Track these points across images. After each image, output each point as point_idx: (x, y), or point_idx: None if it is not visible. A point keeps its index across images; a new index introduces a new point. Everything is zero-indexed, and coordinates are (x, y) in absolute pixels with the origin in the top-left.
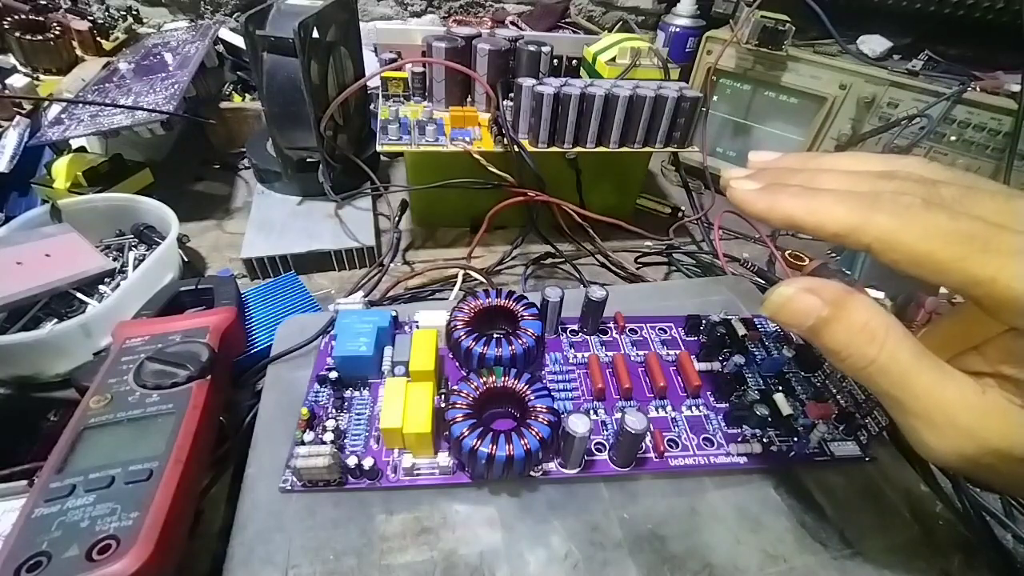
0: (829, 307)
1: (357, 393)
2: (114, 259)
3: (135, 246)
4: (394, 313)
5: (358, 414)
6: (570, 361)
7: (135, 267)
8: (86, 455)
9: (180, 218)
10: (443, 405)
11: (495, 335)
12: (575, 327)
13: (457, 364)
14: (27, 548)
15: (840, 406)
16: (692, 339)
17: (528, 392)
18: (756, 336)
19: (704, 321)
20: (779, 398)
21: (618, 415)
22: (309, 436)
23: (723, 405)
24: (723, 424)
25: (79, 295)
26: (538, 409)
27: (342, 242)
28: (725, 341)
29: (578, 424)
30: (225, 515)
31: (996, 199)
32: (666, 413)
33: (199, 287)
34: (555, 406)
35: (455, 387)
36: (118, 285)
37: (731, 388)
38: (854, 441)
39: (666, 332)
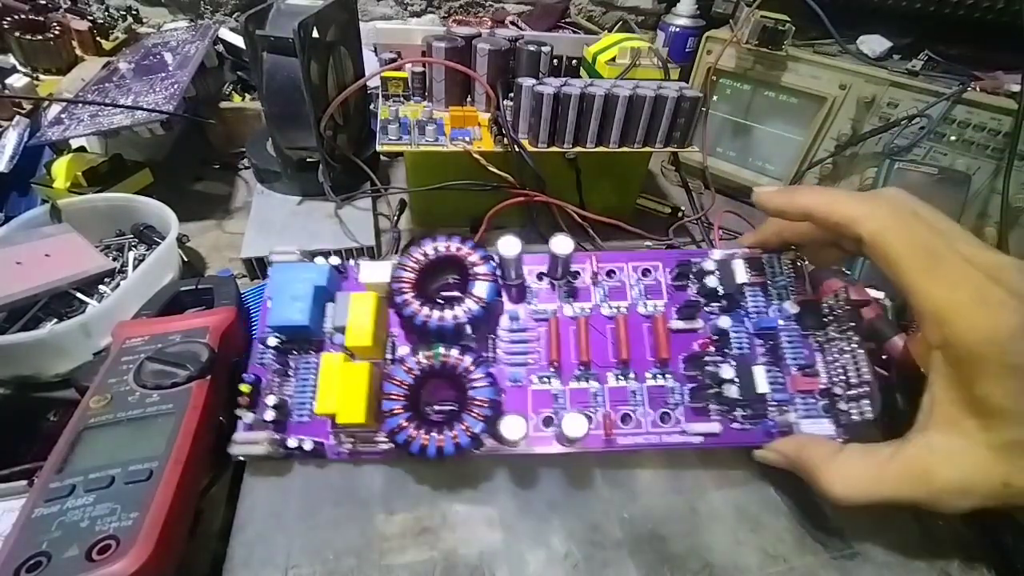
0: None
1: (303, 356)
2: (114, 259)
3: (135, 246)
4: (335, 263)
5: (302, 379)
6: (530, 318)
7: (135, 267)
8: (86, 455)
9: (180, 218)
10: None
11: (443, 296)
12: (543, 270)
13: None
14: (27, 548)
15: (827, 384)
16: (680, 288)
17: (471, 376)
18: (760, 282)
19: (696, 266)
20: (758, 371)
21: (573, 385)
22: (249, 417)
23: (692, 373)
24: (687, 398)
25: (79, 295)
26: (477, 401)
27: (342, 242)
28: (715, 294)
29: (513, 429)
30: (225, 515)
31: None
32: (626, 383)
33: (199, 287)
34: (506, 373)
35: (389, 371)
36: (118, 285)
37: (703, 360)
38: (831, 419)
39: (650, 275)
